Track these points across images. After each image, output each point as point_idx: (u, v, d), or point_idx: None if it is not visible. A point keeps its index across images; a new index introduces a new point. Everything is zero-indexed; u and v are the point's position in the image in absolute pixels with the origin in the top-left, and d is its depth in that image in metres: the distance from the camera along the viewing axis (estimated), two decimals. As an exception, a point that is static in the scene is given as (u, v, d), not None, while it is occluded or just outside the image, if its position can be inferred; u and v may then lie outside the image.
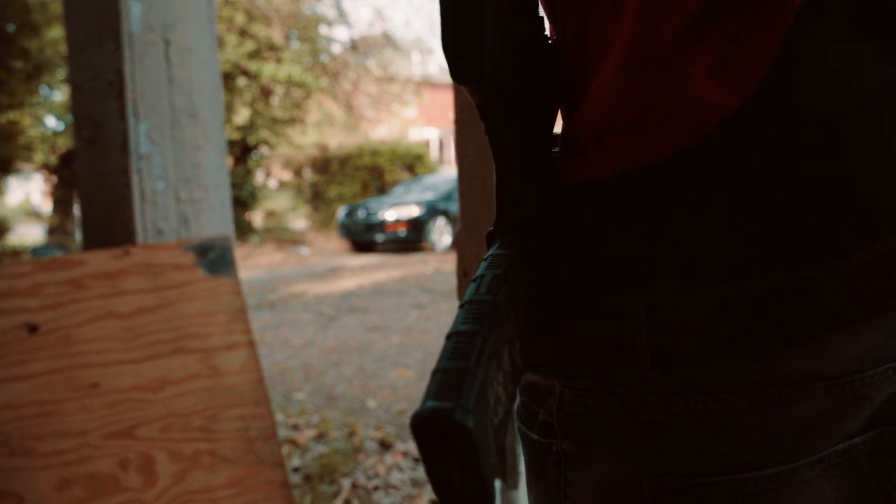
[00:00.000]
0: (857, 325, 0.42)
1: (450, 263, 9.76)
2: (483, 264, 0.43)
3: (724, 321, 0.43)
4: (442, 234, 12.11)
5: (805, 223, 0.41)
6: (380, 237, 12.07)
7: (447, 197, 12.42)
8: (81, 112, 2.03)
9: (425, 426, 0.31)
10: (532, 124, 0.46)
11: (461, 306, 0.39)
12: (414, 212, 11.96)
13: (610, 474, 0.48)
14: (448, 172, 15.27)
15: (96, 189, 2.03)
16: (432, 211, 12.02)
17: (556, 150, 0.50)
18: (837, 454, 0.45)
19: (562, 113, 0.50)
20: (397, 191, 14.01)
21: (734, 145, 0.42)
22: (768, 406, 0.43)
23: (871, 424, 0.46)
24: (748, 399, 0.43)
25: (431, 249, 11.92)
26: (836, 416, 0.44)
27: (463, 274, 1.34)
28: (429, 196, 12.44)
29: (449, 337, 0.36)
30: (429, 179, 13.97)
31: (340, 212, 13.12)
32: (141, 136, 1.96)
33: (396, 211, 12.00)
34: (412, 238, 11.92)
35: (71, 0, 2.03)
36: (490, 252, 0.45)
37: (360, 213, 12.42)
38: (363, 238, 12.31)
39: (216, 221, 2.16)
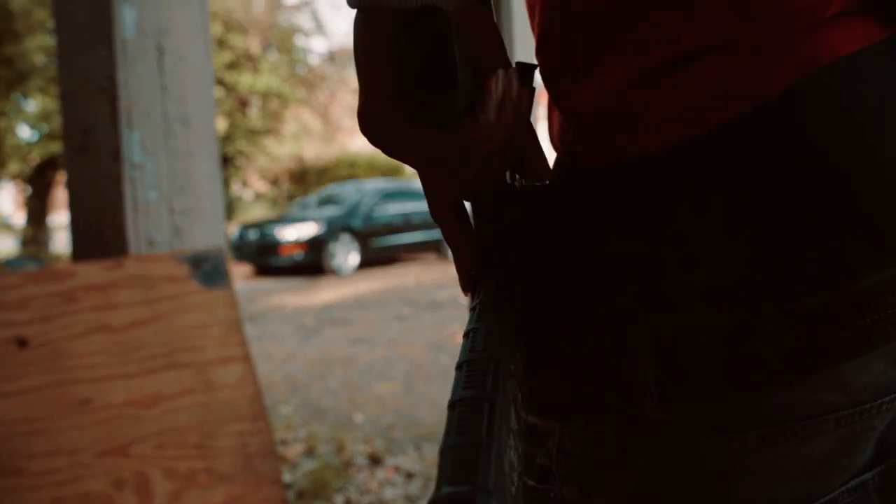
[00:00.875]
0: (869, 353, 0.40)
1: (401, 279, 9.73)
2: (471, 316, 0.41)
3: (734, 350, 0.40)
4: (348, 253, 10.50)
5: (813, 247, 0.39)
6: (274, 261, 10.44)
7: (352, 211, 10.81)
8: (72, 118, 1.98)
9: None
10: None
11: (458, 367, 0.36)
12: (311, 230, 10.28)
13: None
14: (362, 182, 13.17)
15: (86, 198, 1.97)
16: (335, 228, 10.39)
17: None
18: (849, 492, 0.43)
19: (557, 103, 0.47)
20: (298, 206, 12.49)
21: (744, 158, 0.40)
22: (782, 443, 0.41)
23: (878, 459, 0.44)
24: (761, 437, 0.41)
25: (334, 273, 10.32)
26: (845, 450, 0.42)
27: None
28: (332, 211, 10.83)
29: (452, 406, 0.33)
30: (336, 190, 12.08)
31: (234, 232, 11.43)
32: (134, 144, 1.91)
33: (293, 230, 10.37)
34: (310, 261, 10.24)
35: (61, 3, 1.98)
36: (476, 302, 0.42)
37: (252, 234, 10.71)
38: (257, 262, 10.71)
39: (209, 232, 2.11)
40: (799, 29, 0.39)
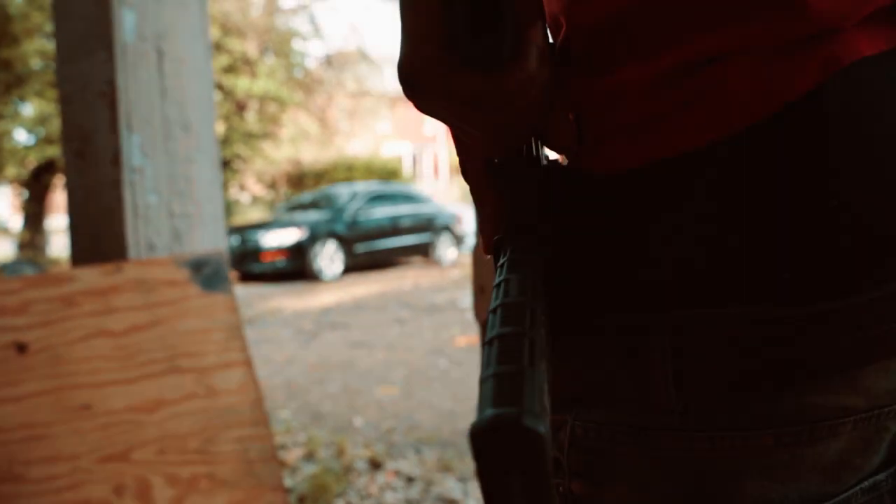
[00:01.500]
0: (891, 358, 0.40)
1: (396, 283, 9.72)
2: (500, 271, 0.40)
3: (756, 349, 0.40)
4: (332, 260, 10.28)
5: (820, 247, 0.39)
6: (256, 267, 10.19)
7: (337, 216, 10.56)
8: (71, 122, 1.97)
9: (489, 436, 0.26)
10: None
11: (492, 311, 0.35)
12: (293, 237, 10.05)
13: None
14: (355, 184, 13.05)
15: (86, 202, 1.96)
16: (319, 234, 10.15)
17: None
18: (863, 492, 0.43)
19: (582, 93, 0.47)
20: (283, 209, 12.29)
21: (752, 158, 0.39)
22: (798, 443, 0.41)
23: (891, 460, 0.44)
24: (777, 436, 0.41)
25: (316, 279, 10.14)
26: (859, 451, 0.42)
27: (480, 290, 1.29)
28: (316, 216, 10.56)
29: (490, 342, 0.32)
30: (324, 193, 11.84)
31: None
32: (133, 148, 1.90)
33: (276, 236, 10.14)
34: (292, 268, 10.05)
35: (60, 7, 1.97)
36: (503, 259, 0.41)
37: (234, 240, 10.29)
38: (239, 267, 10.28)
39: (209, 236, 2.11)
40: (822, 32, 0.38)
